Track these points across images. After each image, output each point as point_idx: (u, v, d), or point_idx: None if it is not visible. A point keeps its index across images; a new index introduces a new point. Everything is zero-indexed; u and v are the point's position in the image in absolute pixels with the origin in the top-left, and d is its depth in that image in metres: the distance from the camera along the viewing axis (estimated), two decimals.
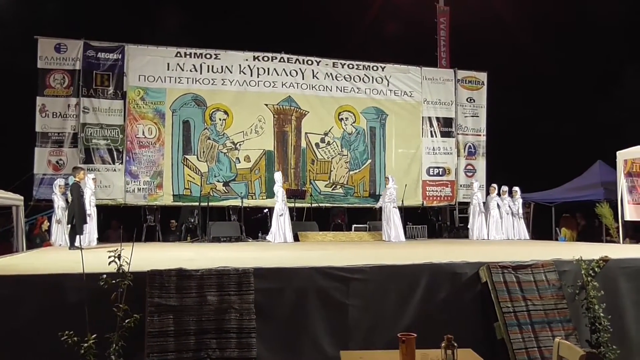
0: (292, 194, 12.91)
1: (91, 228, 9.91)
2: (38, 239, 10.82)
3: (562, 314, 5.00)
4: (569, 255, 5.45)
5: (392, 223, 11.71)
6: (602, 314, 4.98)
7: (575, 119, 16.38)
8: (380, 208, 12.26)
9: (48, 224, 10.90)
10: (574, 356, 2.85)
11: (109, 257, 3.91)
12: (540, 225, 14.74)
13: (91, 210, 9.91)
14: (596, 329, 4.97)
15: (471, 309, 5.04)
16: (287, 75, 13.82)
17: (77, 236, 8.47)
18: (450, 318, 4.81)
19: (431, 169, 14.71)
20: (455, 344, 2.82)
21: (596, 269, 5.18)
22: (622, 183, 10.19)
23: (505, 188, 13.25)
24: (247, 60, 13.56)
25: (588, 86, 16.68)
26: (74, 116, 12.26)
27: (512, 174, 14.52)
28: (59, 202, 10.18)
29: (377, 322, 4.75)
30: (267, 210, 13.75)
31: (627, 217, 10.20)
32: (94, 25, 13.58)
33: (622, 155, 10.31)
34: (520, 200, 13.23)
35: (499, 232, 12.87)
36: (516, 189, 13.30)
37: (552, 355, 3.21)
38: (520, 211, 13.16)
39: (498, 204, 13.01)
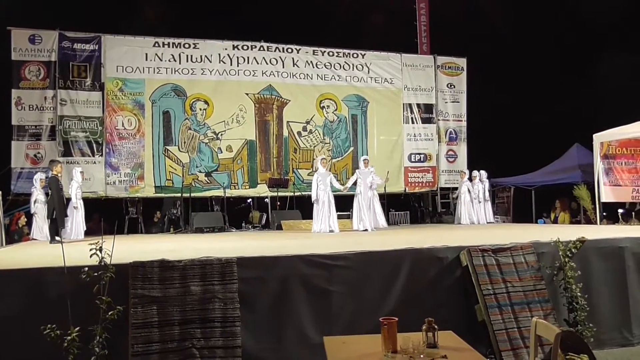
0: (275, 183, 12.91)
1: (78, 221, 9.81)
2: (16, 235, 10.68)
3: (540, 294, 5.12)
4: (547, 237, 5.57)
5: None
6: (579, 294, 5.11)
7: (553, 103, 16.57)
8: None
9: (25, 219, 10.75)
10: (551, 334, 2.91)
11: (90, 249, 3.89)
12: (520, 209, 14.96)
13: (78, 204, 9.82)
14: (573, 308, 5.10)
15: (452, 292, 5.13)
16: (267, 63, 13.73)
17: (60, 229, 8.38)
18: (432, 302, 4.89)
19: (413, 156, 14.79)
20: (436, 327, 2.87)
21: (573, 250, 5.29)
22: (599, 165, 10.38)
23: (475, 173, 13.14)
24: (226, 49, 13.43)
25: (565, 71, 16.86)
26: (52, 108, 12.03)
27: (492, 158, 14.65)
28: (38, 196, 10.02)
29: (360, 307, 4.80)
30: (250, 200, 13.73)
31: (604, 199, 10.40)
32: (69, 15, 13.27)
33: (599, 138, 10.49)
34: (487, 183, 13.07)
35: (471, 217, 12.75)
36: (482, 172, 13.14)
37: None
38: (487, 194, 13.02)
39: (469, 189, 12.90)
